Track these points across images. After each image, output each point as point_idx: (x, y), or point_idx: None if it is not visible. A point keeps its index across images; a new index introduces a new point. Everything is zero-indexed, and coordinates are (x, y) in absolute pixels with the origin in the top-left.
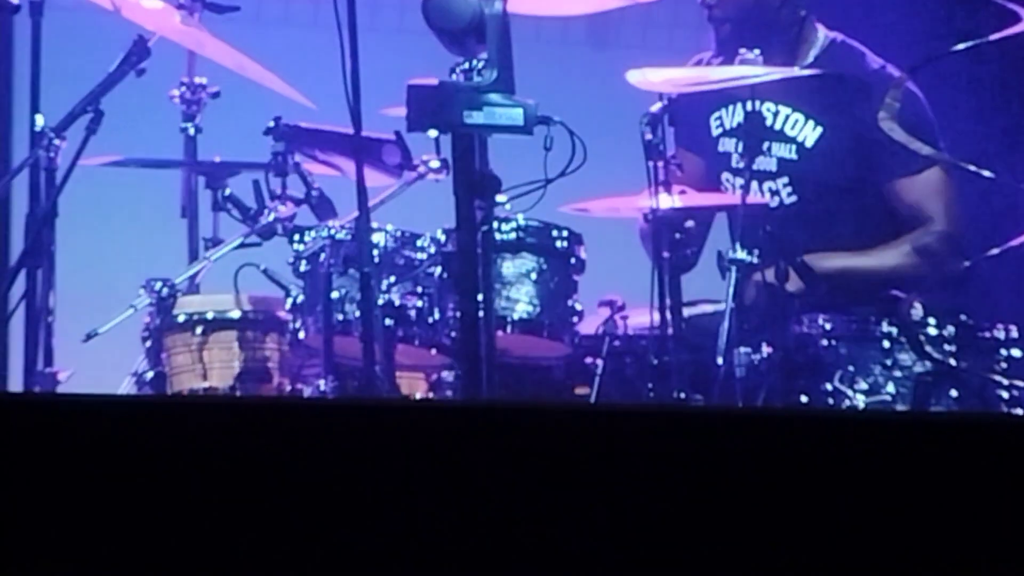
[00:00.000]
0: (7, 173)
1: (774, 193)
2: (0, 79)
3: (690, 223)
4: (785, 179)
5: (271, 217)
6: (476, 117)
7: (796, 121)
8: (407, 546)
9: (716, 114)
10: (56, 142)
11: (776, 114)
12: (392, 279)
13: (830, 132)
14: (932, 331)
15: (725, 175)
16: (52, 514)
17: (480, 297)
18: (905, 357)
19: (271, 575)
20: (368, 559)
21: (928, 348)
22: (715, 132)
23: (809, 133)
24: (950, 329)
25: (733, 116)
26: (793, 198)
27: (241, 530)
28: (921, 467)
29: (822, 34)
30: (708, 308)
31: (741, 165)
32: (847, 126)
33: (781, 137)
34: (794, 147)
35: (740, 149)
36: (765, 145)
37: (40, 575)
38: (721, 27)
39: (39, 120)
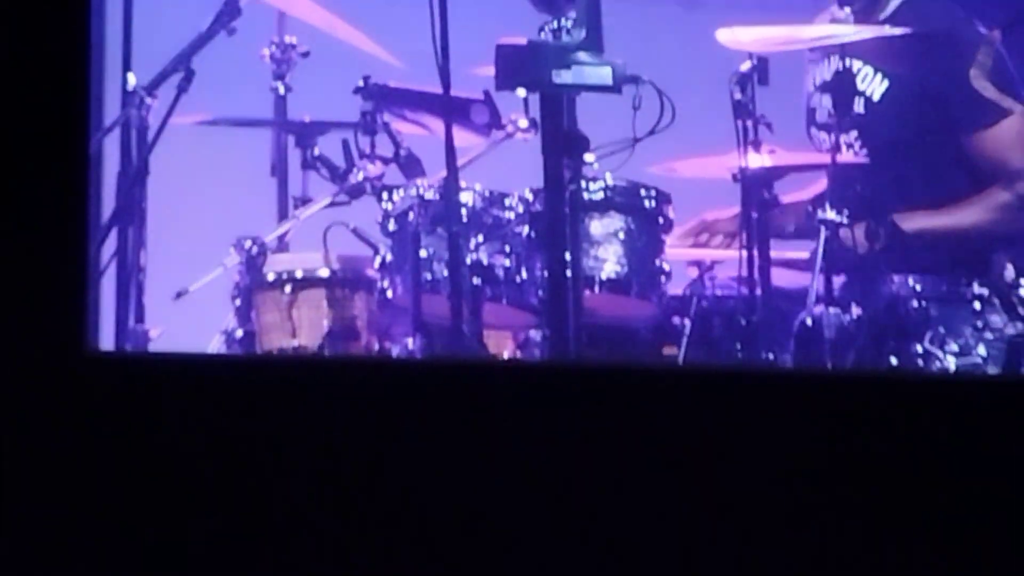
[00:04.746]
0: (99, 131)
1: (848, 146)
2: (93, 37)
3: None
4: (855, 133)
5: (360, 176)
6: (565, 76)
7: (865, 75)
8: (493, 503)
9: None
10: (148, 101)
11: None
12: (480, 238)
13: (896, 86)
14: None
15: (812, 130)
16: (143, 470)
17: (568, 256)
18: (996, 319)
19: (356, 528)
20: (454, 513)
21: (1020, 309)
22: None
23: (877, 87)
24: None
25: (820, 72)
26: (863, 151)
27: (329, 484)
28: (1013, 430)
29: None
30: (797, 267)
31: (830, 122)
32: (917, 79)
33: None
34: (862, 101)
35: (829, 104)
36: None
37: (130, 528)
38: None
39: (131, 79)
